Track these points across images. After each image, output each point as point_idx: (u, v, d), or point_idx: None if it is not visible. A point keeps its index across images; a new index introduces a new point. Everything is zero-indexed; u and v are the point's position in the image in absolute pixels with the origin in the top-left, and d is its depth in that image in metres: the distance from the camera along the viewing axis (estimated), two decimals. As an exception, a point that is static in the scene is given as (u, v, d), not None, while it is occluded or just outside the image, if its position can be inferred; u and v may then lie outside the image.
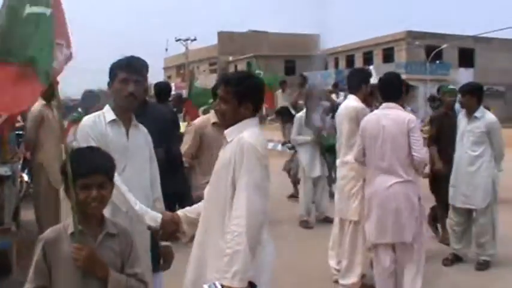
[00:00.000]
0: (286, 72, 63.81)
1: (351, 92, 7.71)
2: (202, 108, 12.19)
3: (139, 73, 4.72)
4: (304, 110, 11.39)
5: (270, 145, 19.05)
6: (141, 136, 4.75)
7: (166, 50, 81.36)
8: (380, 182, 6.61)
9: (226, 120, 4.11)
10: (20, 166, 9.94)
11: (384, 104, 6.85)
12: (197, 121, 6.38)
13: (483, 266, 8.19)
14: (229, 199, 3.83)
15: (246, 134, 3.87)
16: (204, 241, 4.02)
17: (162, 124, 6.62)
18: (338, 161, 7.68)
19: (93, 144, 4.23)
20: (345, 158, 7.43)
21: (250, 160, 3.76)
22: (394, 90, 6.90)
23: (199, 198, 5.12)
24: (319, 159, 11.15)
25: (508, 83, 62.90)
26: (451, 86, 10.57)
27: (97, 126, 4.48)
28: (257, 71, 12.67)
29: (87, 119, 4.59)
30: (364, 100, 7.67)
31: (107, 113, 4.57)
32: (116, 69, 4.58)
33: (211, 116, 6.20)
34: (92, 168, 3.40)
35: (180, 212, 4.34)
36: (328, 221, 11.05)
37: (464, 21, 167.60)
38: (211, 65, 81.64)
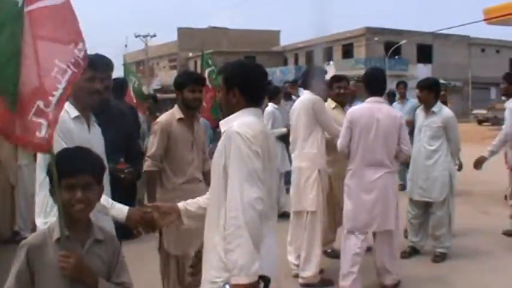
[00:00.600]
0: (246, 69, 63.96)
1: (306, 89, 7.79)
2: None
3: (105, 71, 4.77)
4: (272, 106, 11.53)
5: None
6: (98, 134, 4.74)
7: (126, 46, 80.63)
8: (369, 174, 6.84)
9: (223, 111, 3.98)
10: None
11: (371, 98, 7.02)
12: (162, 118, 6.21)
13: (439, 258, 8.34)
14: (222, 192, 3.62)
15: (235, 123, 3.67)
16: (205, 236, 3.83)
17: (124, 120, 6.65)
18: (294, 154, 7.72)
19: (61, 143, 4.13)
20: (303, 150, 7.48)
21: (239, 149, 3.54)
22: (379, 85, 7.17)
23: (177, 200, 5.26)
24: (287, 154, 11.27)
25: (464, 78, 63.88)
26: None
27: (64, 123, 4.32)
28: (210, 68, 12.54)
29: None
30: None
31: (70, 109, 4.47)
32: None
33: (176, 112, 6.08)
34: (77, 168, 3.20)
35: (180, 205, 4.24)
36: (286, 215, 11.16)
37: (423, 18, 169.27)
38: (171, 61, 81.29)
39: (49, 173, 3.28)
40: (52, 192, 3.31)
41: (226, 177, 3.60)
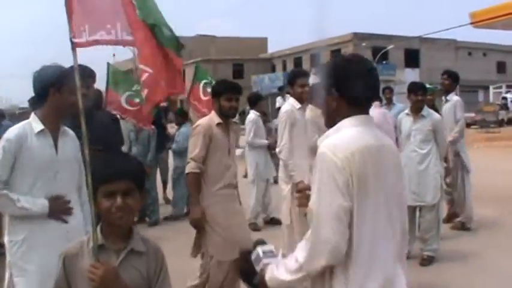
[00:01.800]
0: (235, 76, 63.87)
1: (288, 93, 7.90)
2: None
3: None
4: (254, 113, 11.57)
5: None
6: (70, 143, 4.71)
7: (114, 55, 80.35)
8: None
9: (325, 121, 3.20)
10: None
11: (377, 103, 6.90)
12: (203, 121, 6.15)
13: (427, 261, 8.38)
14: None
15: (327, 140, 2.97)
16: None
17: (105, 130, 6.66)
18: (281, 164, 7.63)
19: (10, 159, 4.26)
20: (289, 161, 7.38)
21: (321, 173, 2.87)
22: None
23: (215, 205, 5.75)
24: (269, 162, 11.33)
25: (452, 82, 64.03)
26: (429, 86, 10.82)
27: (21, 139, 4.38)
28: (205, 80, 12.48)
29: (11, 132, 4.44)
30: (299, 99, 7.60)
31: (34, 123, 4.48)
32: (62, 78, 4.51)
33: (214, 117, 6.06)
34: (117, 174, 3.00)
35: None
36: (274, 222, 11.25)
37: (410, 23, 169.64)
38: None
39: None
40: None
41: None
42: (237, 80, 50.54)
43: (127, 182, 3.00)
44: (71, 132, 4.77)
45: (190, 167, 5.99)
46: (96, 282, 2.91)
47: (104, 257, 3.01)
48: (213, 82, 10.93)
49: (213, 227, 5.92)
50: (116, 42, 3.98)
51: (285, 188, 7.42)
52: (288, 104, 7.56)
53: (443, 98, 9.85)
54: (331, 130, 3.04)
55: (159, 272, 3.13)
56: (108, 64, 11.23)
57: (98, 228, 3.11)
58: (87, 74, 5.35)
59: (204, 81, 12.39)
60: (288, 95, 7.88)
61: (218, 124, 6.05)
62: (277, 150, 7.50)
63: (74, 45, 3.78)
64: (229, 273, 5.86)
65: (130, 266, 3.04)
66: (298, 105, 7.45)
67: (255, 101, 12.01)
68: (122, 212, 2.96)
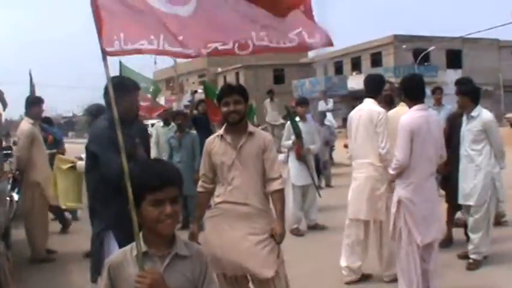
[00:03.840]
0: (275, 81, 63.93)
1: (370, 96, 7.93)
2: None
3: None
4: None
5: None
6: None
7: (155, 63, 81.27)
8: (428, 185, 6.78)
9: None
10: (9, 186, 9.98)
11: (419, 106, 6.84)
12: (210, 137, 6.11)
13: (474, 265, 8.27)
14: None
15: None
16: None
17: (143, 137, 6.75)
18: (356, 162, 7.89)
19: None
20: (368, 160, 7.68)
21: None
22: (422, 91, 6.98)
23: (211, 218, 5.71)
24: (306, 167, 11.21)
25: (495, 82, 63.20)
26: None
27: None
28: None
29: None
30: (379, 103, 7.94)
31: None
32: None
33: (222, 129, 5.86)
34: (164, 181, 3.00)
35: None
36: (318, 228, 11.19)
37: (452, 23, 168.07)
38: (200, 77, 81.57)
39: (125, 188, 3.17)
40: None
41: None
42: (277, 85, 50.51)
43: (174, 189, 3.02)
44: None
45: (198, 185, 5.97)
46: None
47: (149, 264, 3.03)
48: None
49: (203, 244, 5.54)
50: (158, 52, 4.04)
51: (380, 187, 7.61)
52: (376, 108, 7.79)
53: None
54: None
55: (204, 274, 3.15)
56: (120, 62, 11.33)
57: (141, 235, 3.12)
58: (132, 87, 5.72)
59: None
60: (372, 99, 7.87)
61: (220, 136, 5.77)
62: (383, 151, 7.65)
63: (105, 54, 3.82)
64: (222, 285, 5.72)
65: (175, 270, 3.06)
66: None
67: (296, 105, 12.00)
68: (171, 219, 2.99)
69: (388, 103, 8.93)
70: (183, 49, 4.04)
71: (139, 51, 4.00)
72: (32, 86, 12.25)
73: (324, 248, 9.73)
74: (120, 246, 5.28)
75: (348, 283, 7.84)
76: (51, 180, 10.03)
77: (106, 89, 5.28)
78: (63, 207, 10.49)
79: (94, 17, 3.86)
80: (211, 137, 5.95)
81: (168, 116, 14.39)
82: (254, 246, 5.47)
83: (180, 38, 4.03)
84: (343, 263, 7.96)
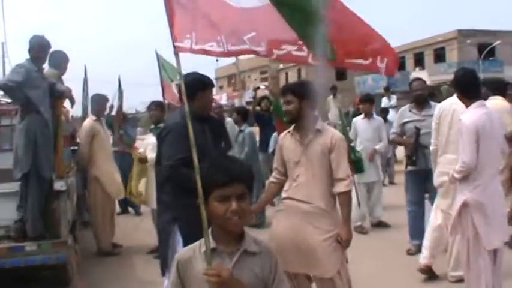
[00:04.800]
0: (337, 77, 63.56)
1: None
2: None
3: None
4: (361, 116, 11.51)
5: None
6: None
7: (217, 60, 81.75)
8: (494, 186, 6.49)
9: None
10: (75, 181, 10.22)
11: (479, 103, 6.53)
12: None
13: None
14: None
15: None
16: None
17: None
18: (446, 157, 7.60)
19: None
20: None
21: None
22: (479, 87, 6.78)
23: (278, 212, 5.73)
24: (373, 164, 11.13)
25: None
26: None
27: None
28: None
29: None
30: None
31: None
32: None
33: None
34: (231, 177, 2.98)
35: None
36: (382, 225, 11.10)
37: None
38: (261, 74, 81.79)
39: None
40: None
41: None
42: (340, 81, 50.13)
43: (241, 186, 2.99)
44: None
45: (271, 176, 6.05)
46: (214, 286, 2.90)
47: (217, 261, 3.02)
48: None
49: (269, 239, 5.56)
50: (223, 55, 4.05)
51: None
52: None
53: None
54: None
55: (274, 273, 3.10)
56: (157, 53, 11.39)
57: (209, 231, 3.12)
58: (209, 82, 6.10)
59: None
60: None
61: (290, 132, 5.77)
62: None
63: (177, 49, 3.82)
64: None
65: (244, 267, 3.03)
66: None
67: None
68: (237, 216, 2.95)
69: (421, 103, 8.97)
70: (250, 46, 4.02)
71: (206, 53, 4.02)
72: (85, 81, 12.40)
73: (388, 247, 9.68)
74: (186, 239, 5.41)
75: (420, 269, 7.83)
76: (113, 176, 10.23)
77: (187, 83, 5.48)
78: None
79: (166, 11, 3.87)
80: (284, 132, 5.94)
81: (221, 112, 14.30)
82: (315, 246, 5.42)
83: (252, 34, 3.99)
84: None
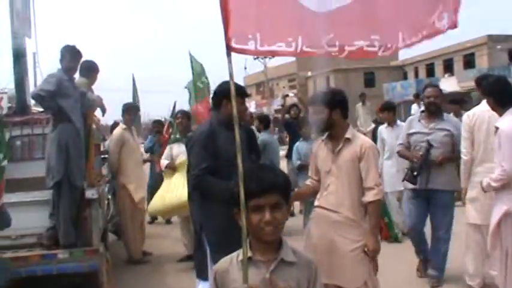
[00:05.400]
0: (366, 85, 63.36)
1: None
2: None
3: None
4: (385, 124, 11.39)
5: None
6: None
7: (245, 68, 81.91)
8: None
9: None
10: (106, 189, 10.31)
11: None
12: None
13: None
14: None
15: None
16: None
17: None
18: (484, 166, 7.19)
19: None
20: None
21: None
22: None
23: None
24: (402, 172, 10.97)
25: None
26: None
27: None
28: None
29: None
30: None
31: None
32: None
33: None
34: (265, 187, 2.94)
35: None
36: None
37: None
38: (290, 81, 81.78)
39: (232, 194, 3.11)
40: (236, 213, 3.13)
41: None
42: (368, 88, 49.93)
43: (275, 196, 2.94)
44: None
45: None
46: None
47: (254, 270, 3.00)
48: None
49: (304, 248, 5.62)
50: (295, 55, 4.04)
51: None
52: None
53: None
54: None
55: (313, 283, 3.07)
56: (190, 54, 11.45)
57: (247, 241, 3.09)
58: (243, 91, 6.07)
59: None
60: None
61: (324, 141, 5.77)
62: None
63: (230, 50, 3.78)
64: None
65: (281, 276, 2.99)
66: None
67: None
68: (271, 226, 2.92)
69: (432, 113, 8.07)
70: (327, 49, 4.00)
71: (275, 53, 4.02)
72: (134, 91, 12.51)
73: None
74: (212, 247, 5.47)
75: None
76: (142, 185, 10.29)
77: (215, 92, 5.59)
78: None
79: (222, 11, 3.79)
80: (319, 140, 5.92)
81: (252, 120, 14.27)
82: (342, 256, 5.41)
83: (330, 36, 3.98)
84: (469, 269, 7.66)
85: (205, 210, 5.67)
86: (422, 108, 8.50)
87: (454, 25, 3.90)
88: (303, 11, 3.95)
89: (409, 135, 8.24)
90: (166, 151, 10.31)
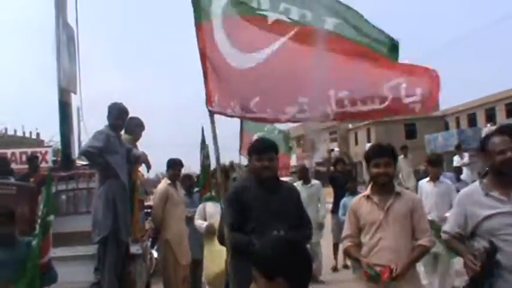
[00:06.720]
0: (407, 136, 63.03)
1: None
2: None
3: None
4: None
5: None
6: None
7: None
8: None
9: None
10: (149, 243, 10.35)
11: None
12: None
13: None
14: None
15: None
16: None
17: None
18: None
19: None
20: None
21: None
22: None
23: None
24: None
25: None
26: None
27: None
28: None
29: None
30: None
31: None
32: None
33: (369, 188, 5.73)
34: (278, 271, 2.94)
35: None
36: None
37: None
38: (331, 134, 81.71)
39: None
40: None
41: None
42: (409, 140, 49.59)
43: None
44: None
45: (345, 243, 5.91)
46: None
47: None
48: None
49: None
50: (241, 118, 4.15)
51: None
52: None
53: None
54: None
55: None
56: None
57: None
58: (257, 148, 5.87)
59: None
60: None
61: (367, 197, 5.68)
62: None
63: (212, 113, 3.92)
64: None
65: None
66: None
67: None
68: None
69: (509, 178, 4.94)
70: (258, 113, 4.08)
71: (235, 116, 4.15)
72: (203, 141, 12.48)
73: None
74: None
75: None
76: (182, 240, 10.28)
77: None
78: None
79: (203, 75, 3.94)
80: (358, 197, 5.89)
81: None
82: None
83: (256, 99, 4.05)
84: None
85: (232, 266, 5.61)
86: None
87: (430, 107, 3.96)
88: (234, 70, 4.08)
89: (485, 219, 4.87)
90: (200, 209, 9.74)
